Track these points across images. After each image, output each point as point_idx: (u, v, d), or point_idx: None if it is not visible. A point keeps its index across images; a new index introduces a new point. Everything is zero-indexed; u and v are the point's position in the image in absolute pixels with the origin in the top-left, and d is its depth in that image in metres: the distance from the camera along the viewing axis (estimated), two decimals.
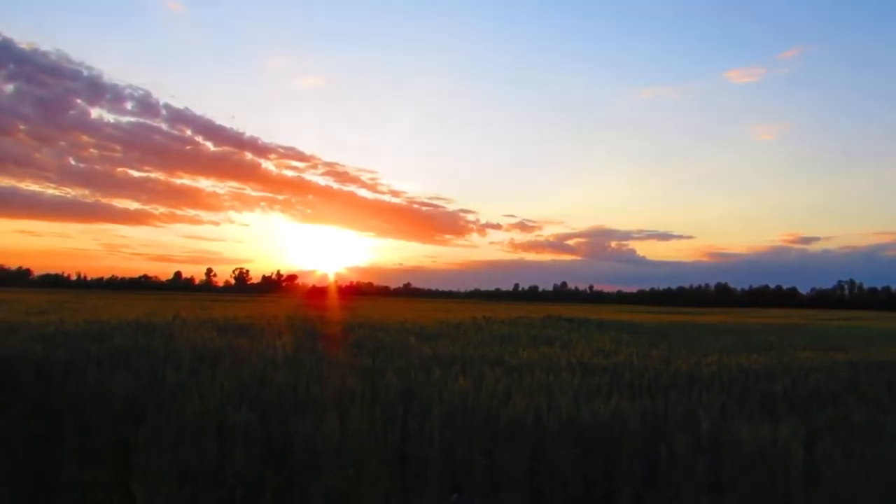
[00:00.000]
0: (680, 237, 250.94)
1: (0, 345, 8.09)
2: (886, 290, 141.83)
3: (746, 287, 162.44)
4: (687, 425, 4.81)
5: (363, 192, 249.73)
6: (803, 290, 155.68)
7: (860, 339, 17.80)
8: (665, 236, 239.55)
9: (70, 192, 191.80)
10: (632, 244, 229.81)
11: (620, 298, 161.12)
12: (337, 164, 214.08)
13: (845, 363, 9.77)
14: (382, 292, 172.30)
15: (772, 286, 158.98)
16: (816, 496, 4.00)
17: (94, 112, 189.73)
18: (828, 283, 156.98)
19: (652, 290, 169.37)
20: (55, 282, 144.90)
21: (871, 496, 3.99)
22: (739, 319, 33.71)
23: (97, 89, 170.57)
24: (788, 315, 52.82)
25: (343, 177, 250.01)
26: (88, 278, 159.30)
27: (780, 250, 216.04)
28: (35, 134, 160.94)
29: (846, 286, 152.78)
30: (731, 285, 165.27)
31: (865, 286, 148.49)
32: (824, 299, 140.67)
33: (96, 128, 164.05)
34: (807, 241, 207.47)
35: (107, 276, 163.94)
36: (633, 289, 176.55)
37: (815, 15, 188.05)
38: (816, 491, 4.02)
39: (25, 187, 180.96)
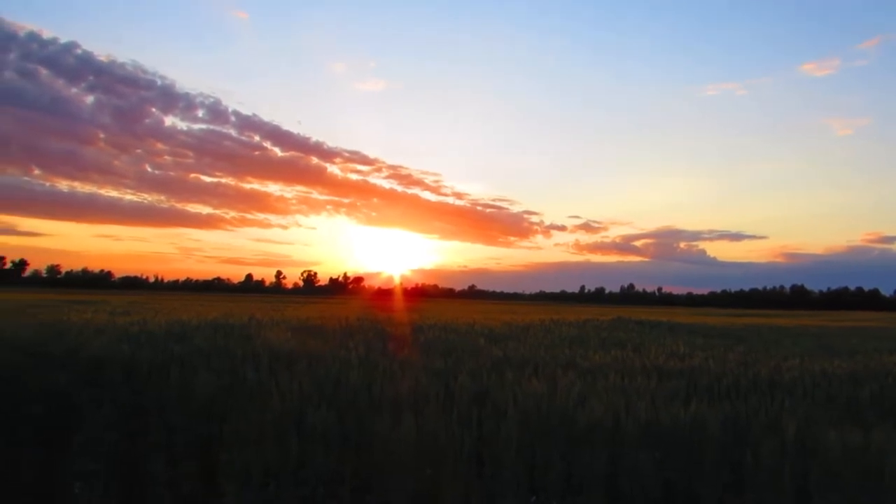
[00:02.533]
0: (752, 237, 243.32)
1: (91, 344, 8.49)
2: None
3: (824, 289, 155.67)
4: (770, 431, 4.67)
5: (427, 195, 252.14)
6: (886, 291, 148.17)
7: None
8: (737, 236, 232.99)
9: (147, 198, 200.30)
10: (702, 245, 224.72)
11: (691, 301, 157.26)
12: (401, 167, 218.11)
13: None
14: (447, 294, 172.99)
15: (851, 288, 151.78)
16: None
17: (168, 120, 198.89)
18: None
19: (724, 292, 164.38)
20: (134, 284, 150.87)
21: None
22: (818, 322, 32.43)
23: (170, 98, 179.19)
24: (871, 318, 50.43)
25: (407, 179, 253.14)
26: (165, 280, 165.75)
27: (860, 250, 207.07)
28: (114, 142, 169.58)
29: None
30: (808, 287, 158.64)
31: None
32: None
33: (170, 135, 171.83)
34: (889, 240, 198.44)
35: (182, 278, 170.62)
36: (704, 291, 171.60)
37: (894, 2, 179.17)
38: None
39: (106, 193, 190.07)
